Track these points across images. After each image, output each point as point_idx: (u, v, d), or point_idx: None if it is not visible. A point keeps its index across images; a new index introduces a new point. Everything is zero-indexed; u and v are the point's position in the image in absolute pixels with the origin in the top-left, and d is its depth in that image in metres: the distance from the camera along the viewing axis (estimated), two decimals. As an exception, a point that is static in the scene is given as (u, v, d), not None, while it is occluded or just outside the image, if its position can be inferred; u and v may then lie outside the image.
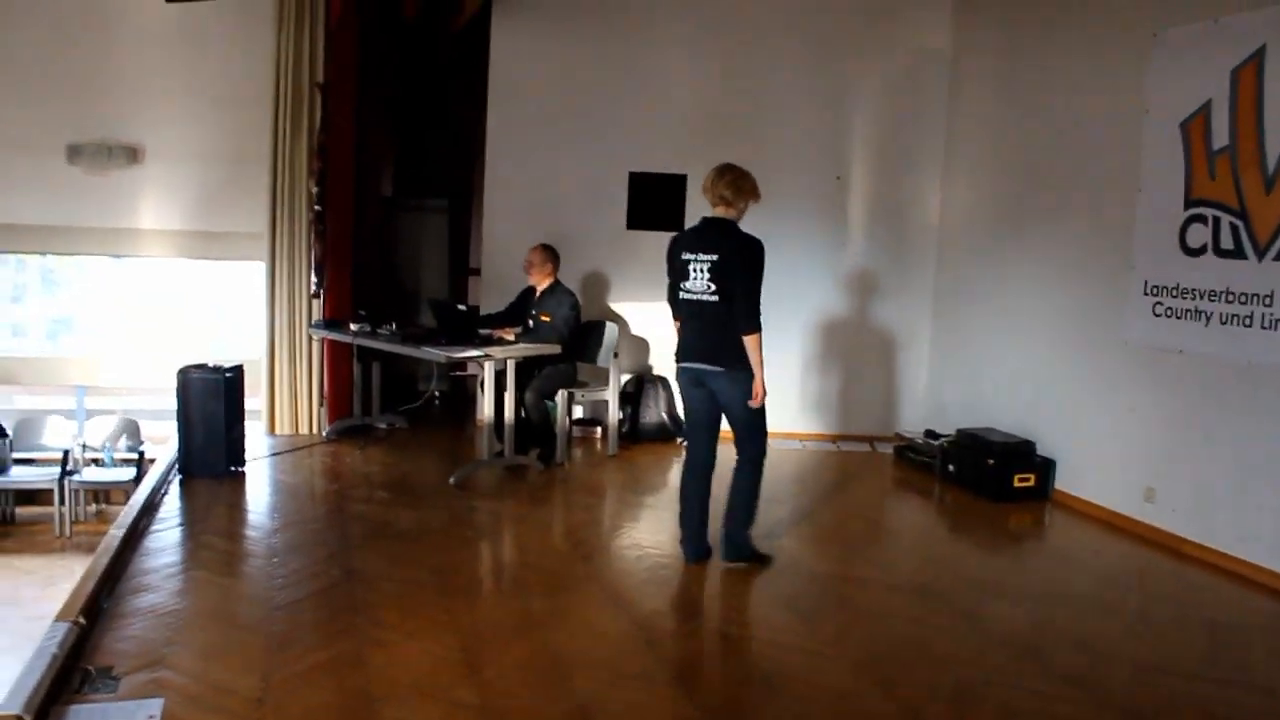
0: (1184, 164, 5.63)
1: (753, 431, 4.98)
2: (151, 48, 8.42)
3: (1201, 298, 5.51)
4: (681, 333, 5.05)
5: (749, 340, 4.76)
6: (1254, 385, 5.24)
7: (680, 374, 5.06)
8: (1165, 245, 5.74)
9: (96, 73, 8.32)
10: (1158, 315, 5.81)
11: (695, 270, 4.85)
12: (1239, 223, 5.28)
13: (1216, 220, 5.42)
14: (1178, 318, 5.67)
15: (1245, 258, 5.24)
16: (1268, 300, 5.11)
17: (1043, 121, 6.86)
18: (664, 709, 3.58)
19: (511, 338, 6.92)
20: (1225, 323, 5.36)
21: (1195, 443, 5.61)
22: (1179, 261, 5.66)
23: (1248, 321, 5.23)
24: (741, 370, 4.80)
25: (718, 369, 4.85)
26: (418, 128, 10.37)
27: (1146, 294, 5.88)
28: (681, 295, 4.95)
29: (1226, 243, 5.36)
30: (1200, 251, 5.52)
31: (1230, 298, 5.32)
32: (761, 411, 4.93)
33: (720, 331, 4.81)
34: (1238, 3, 5.29)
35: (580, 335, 7.22)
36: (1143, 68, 5.91)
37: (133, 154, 8.44)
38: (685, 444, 5.28)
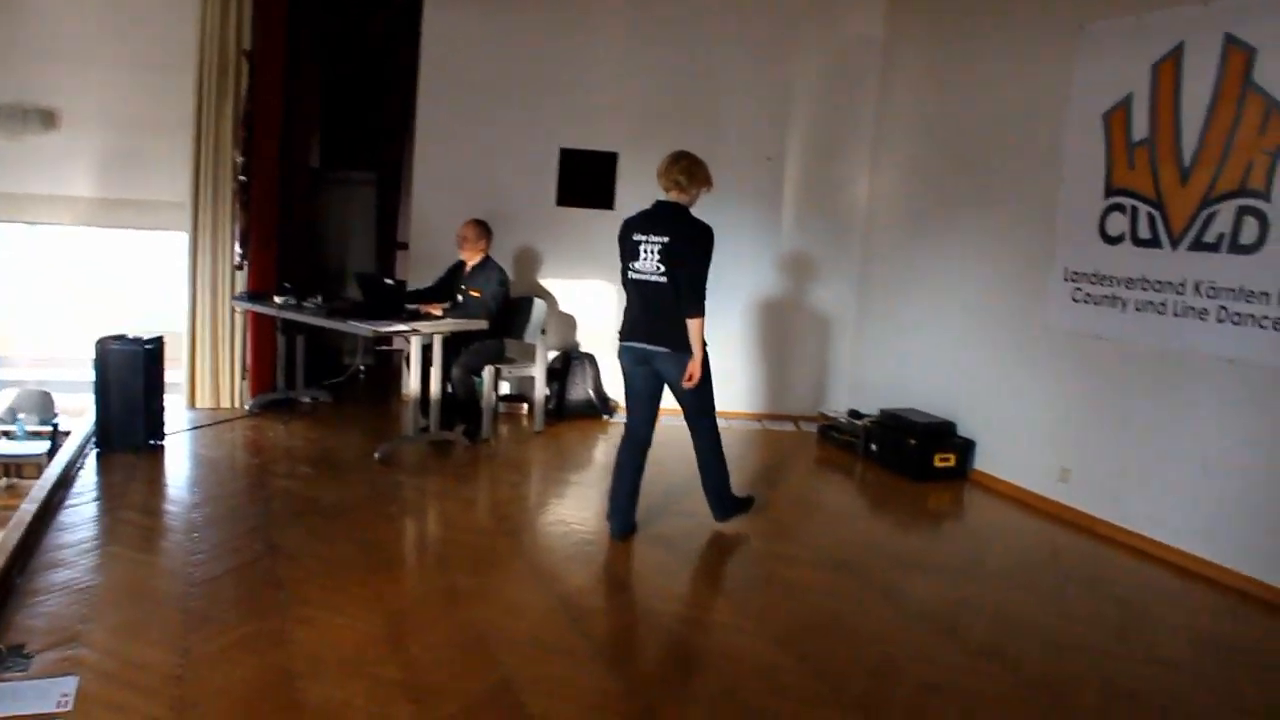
0: (1105, 154, 5.76)
1: (701, 410, 5.13)
2: (70, 9, 8.15)
3: (1119, 285, 5.66)
4: (627, 311, 5.12)
5: (693, 324, 4.86)
6: (1167, 371, 5.40)
7: (624, 352, 5.12)
8: (1086, 233, 5.88)
9: (11, 34, 8.03)
10: (1077, 301, 5.95)
11: (646, 251, 4.93)
12: (1156, 212, 5.42)
13: (1135, 209, 5.56)
14: (1096, 304, 5.81)
15: (1161, 247, 5.39)
16: (1180, 288, 5.26)
17: (970, 109, 6.97)
18: (589, 684, 3.60)
19: (439, 313, 6.87)
20: (1141, 310, 5.52)
21: (1110, 426, 5.77)
22: (1098, 249, 5.80)
23: (1162, 308, 5.38)
24: (686, 352, 4.91)
25: (662, 349, 4.95)
26: (347, 99, 10.19)
27: (1067, 280, 6.02)
28: (630, 275, 5.02)
29: (1144, 232, 5.50)
30: (1119, 240, 5.67)
31: (1146, 285, 5.48)
32: (708, 391, 5.05)
33: (666, 313, 4.91)
34: (1159, -2, 5.43)
35: (508, 311, 7.19)
36: (1068, 59, 6.03)
37: (49, 118, 8.17)
38: (625, 420, 5.32)
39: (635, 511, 5.23)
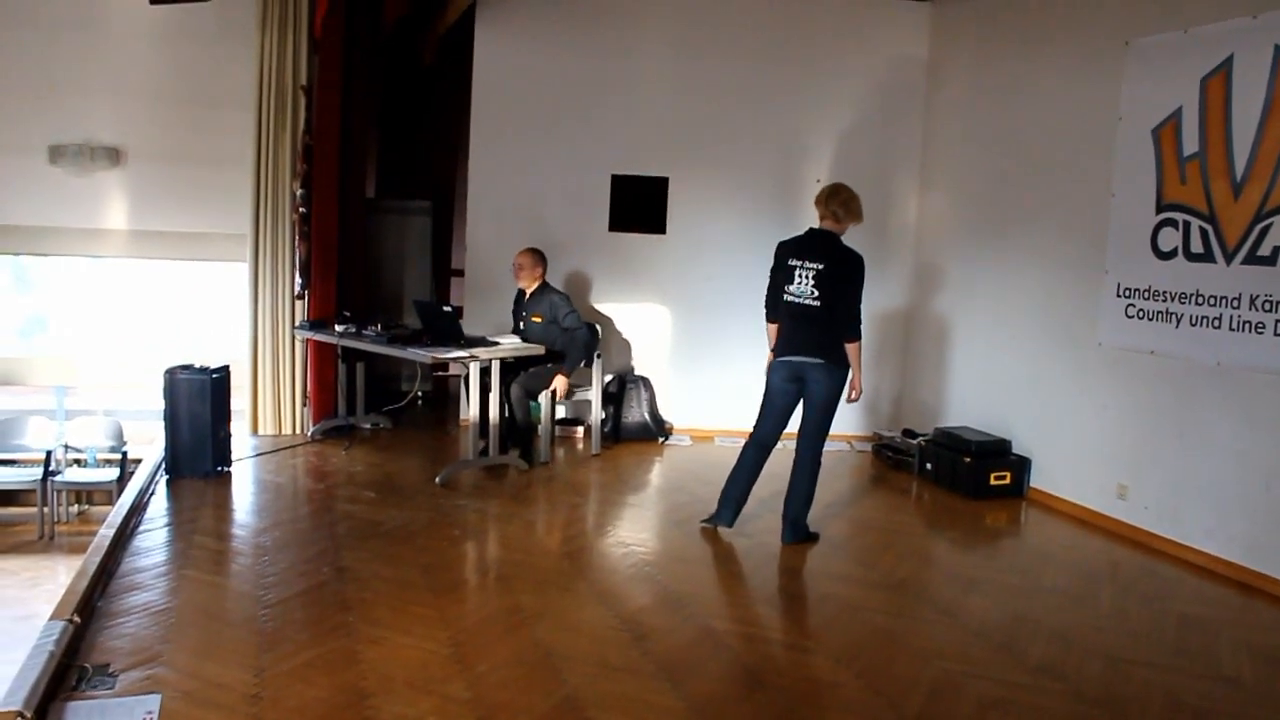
0: (1155, 169, 5.76)
1: (822, 426, 5.49)
2: (134, 49, 8.45)
3: (1172, 300, 5.65)
4: (781, 331, 5.56)
5: (851, 347, 5.38)
6: (1222, 385, 5.38)
7: (778, 367, 5.53)
8: (1137, 248, 5.88)
9: (79, 74, 8.34)
10: (1130, 317, 5.94)
11: (801, 276, 5.39)
12: (1208, 227, 5.42)
13: (1187, 224, 5.56)
14: (1149, 319, 5.81)
15: (1214, 261, 5.38)
16: (1235, 303, 5.25)
17: (1018, 127, 6.99)
18: (652, 701, 3.66)
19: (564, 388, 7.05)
20: (1195, 324, 5.50)
21: (1166, 441, 5.75)
22: (1151, 264, 5.79)
23: (1217, 323, 5.37)
24: (838, 366, 5.38)
25: (819, 361, 5.37)
26: (401, 129, 10.42)
27: (1119, 296, 6.02)
28: (785, 297, 5.47)
29: (1196, 246, 5.49)
30: (1171, 255, 5.66)
31: (1200, 300, 5.46)
32: (833, 411, 5.47)
33: (821, 331, 5.36)
34: (1207, 14, 5.43)
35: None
36: (1116, 75, 6.05)
37: (115, 155, 8.46)
38: (754, 426, 5.68)
39: (744, 506, 5.69)
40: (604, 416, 7.74)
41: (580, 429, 8.10)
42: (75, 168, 8.38)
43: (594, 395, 7.45)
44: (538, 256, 7.19)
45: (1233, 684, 4.05)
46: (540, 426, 7.08)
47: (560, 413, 7.95)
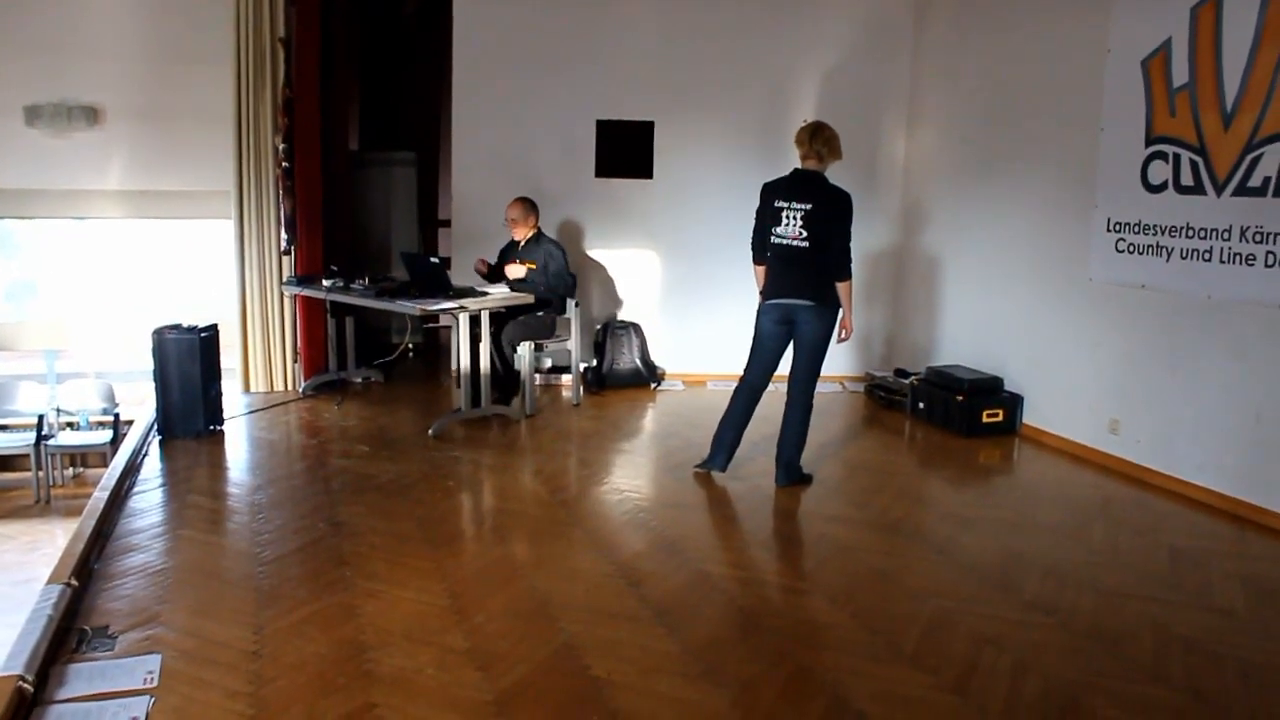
0: (1145, 102, 5.71)
1: (813, 367, 5.45)
2: (108, 5, 8.30)
3: (1163, 233, 5.62)
4: (769, 273, 5.50)
5: (842, 286, 5.34)
6: (1213, 318, 5.37)
7: (768, 310, 5.48)
8: (1127, 182, 5.84)
9: (53, 33, 8.19)
10: (1120, 251, 5.92)
11: (788, 217, 5.33)
12: (1198, 159, 5.38)
13: (1177, 157, 5.52)
14: (1140, 254, 5.78)
15: (1205, 194, 5.35)
16: (1226, 235, 5.22)
17: (1007, 61, 6.92)
18: (648, 646, 3.68)
19: (523, 272, 6.98)
20: (1186, 258, 5.48)
21: (1157, 376, 5.75)
22: (1141, 198, 5.76)
23: (1207, 256, 5.35)
24: (829, 307, 5.33)
25: (809, 303, 5.31)
26: (383, 80, 10.28)
27: (1109, 230, 5.99)
28: (772, 239, 5.41)
29: (1186, 179, 5.46)
30: (1161, 188, 5.63)
31: (1190, 233, 5.44)
32: (822, 358, 5.43)
33: (810, 272, 5.31)
34: (1195, -60, 5.35)
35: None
36: (1105, 7, 5.97)
37: (93, 115, 8.35)
38: (744, 371, 5.64)
39: (736, 450, 5.68)
40: (594, 363, 7.72)
41: (569, 377, 8.08)
42: (52, 129, 8.27)
43: (573, 345, 7.39)
44: (529, 206, 7.13)
45: (1224, 615, 4.09)
46: (522, 376, 7.00)
47: (548, 363, 7.93)
